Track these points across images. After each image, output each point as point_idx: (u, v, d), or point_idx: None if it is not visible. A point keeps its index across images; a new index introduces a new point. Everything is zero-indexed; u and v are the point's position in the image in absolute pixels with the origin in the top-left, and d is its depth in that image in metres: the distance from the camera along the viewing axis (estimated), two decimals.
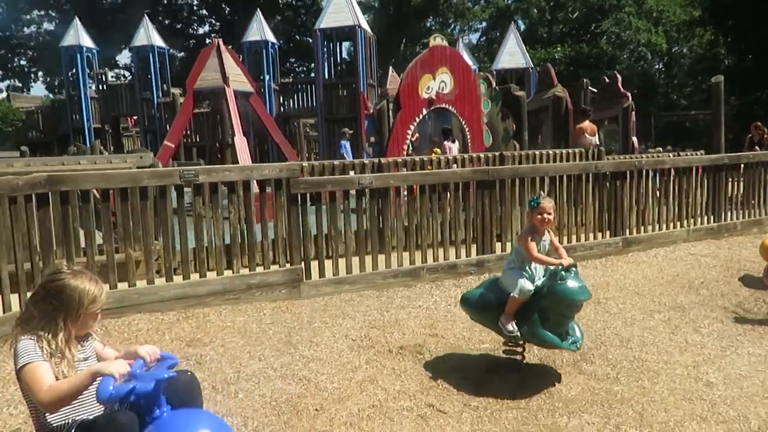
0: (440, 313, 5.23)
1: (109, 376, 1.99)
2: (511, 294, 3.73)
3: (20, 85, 42.02)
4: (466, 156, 8.43)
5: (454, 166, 7.79)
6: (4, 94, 30.87)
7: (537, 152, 8.50)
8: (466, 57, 22.56)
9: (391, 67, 21.94)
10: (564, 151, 8.89)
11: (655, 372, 3.96)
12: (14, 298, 4.67)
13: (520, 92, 13.13)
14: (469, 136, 12.19)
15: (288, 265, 5.83)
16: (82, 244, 5.36)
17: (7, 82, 42.03)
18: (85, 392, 2.11)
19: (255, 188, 6.03)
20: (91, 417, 2.18)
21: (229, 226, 5.84)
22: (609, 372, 3.98)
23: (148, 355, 2.18)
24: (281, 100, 20.87)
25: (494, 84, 12.97)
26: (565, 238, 7.27)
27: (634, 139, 13.85)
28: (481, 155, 8.27)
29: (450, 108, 12.09)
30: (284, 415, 3.38)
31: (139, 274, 5.39)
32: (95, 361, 2.30)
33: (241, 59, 19.21)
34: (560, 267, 3.66)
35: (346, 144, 14.38)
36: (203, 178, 5.51)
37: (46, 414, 2.12)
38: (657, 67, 38.63)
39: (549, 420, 3.34)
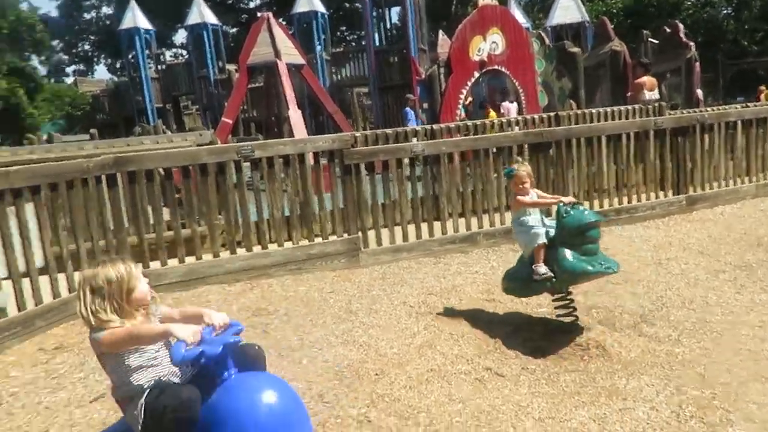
0: (497, 278, 5.22)
1: (182, 341, 2.12)
2: (533, 246, 3.88)
3: (85, 69, 43.64)
4: (519, 118, 8.31)
5: (516, 128, 7.71)
6: (72, 79, 32.13)
7: (594, 111, 8.28)
8: (519, 15, 21.94)
9: (441, 31, 21.56)
10: (622, 108, 8.62)
11: (718, 333, 3.90)
12: None
13: (575, 49, 12.73)
14: (523, 98, 11.96)
15: (346, 235, 5.97)
16: (151, 221, 5.64)
17: (73, 67, 43.75)
18: (160, 356, 2.30)
19: (310, 160, 6.15)
20: (165, 378, 2.34)
21: (287, 198, 6.01)
22: (670, 334, 3.94)
23: (218, 323, 2.30)
24: (333, 70, 20.92)
25: (548, 42, 12.62)
26: (626, 198, 7.13)
27: (699, 91, 13.25)
28: (536, 116, 8.13)
29: (503, 69, 11.86)
30: (346, 379, 3.52)
31: (205, 248, 5.65)
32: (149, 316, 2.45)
33: (291, 31, 19.33)
34: (561, 204, 3.86)
35: (411, 111, 14.36)
36: (259, 153, 5.67)
37: (131, 378, 2.28)
38: (725, 12, 36.43)
39: (607, 382, 3.36)
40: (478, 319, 4.35)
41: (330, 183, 6.20)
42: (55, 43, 38.83)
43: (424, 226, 6.21)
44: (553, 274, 3.85)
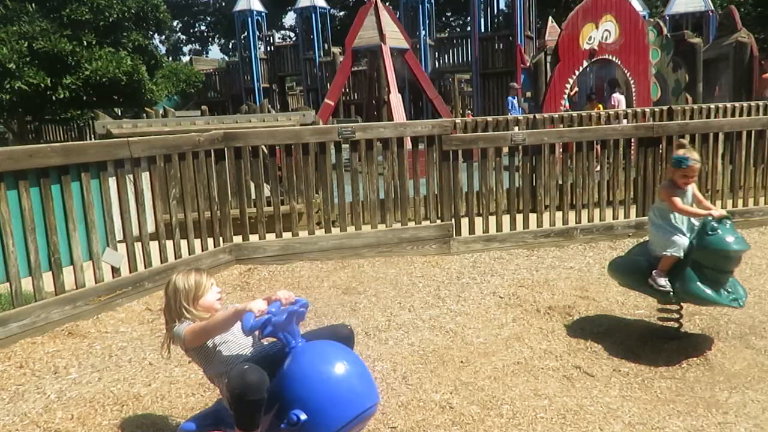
0: (593, 275, 5.07)
1: (250, 312, 2.25)
2: (665, 253, 3.56)
3: (200, 48, 45.94)
4: (629, 111, 7.93)
5: (624, 121, 7.39)
6: (188, 58, 33.92)
7: (711, 106, 7.75)
8: (635, 2, 20.83)
9: (550, 18, 20.87)
10: (744, 104, 8.02)
11: None
12: (197, 243, 5.27)
13: (696, 39, 11.93)
14: (634, 89, 11.38)
15: (438, 221, 5.96)
16: (253, 196, 5.88)
17: (189, 47, 46.18)
18: (236, 330, 2.40)
19: (408, 145, 6.18)
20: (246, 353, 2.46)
21: (383, 181, 6.07)
22: None
23: (284, 298, 2.42)
24: (436, 56, 20.80)
25: (665, 31, 11.91)
26: (740, 201, 6.65)
27: None
28: (646, 110, 7.73)
29: (614, 59, 11.33)
30: (431, 364, 3.53)
31: (301, 224, 5.82)
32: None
33: (397, 15, 19.36)
34: (710, 218, 3.45)
35: (513, 100, 13.90)
36: (359, 135, 5.75)
37: (215, 358, 2.44)
38: None
39: (707, 393, 3.17)
40: (569, 315, 4.22)
41: (426, 168, 6.20)
42: (174, 23, 41.10)
43: (519, 217, 6.09)
44: (672, 290, 3.56)
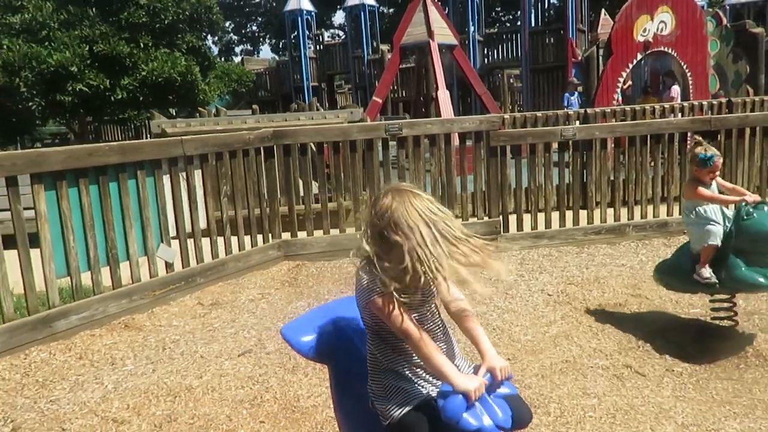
0: (646, 273, 4.93)
1: (461, 399, 1.64)
2: (703, 245, 3.53)
3: (251, 48, 46.79)
4: (685, 104, 7.69)
5: (680, 115, 7.18)
6: (239, 58, 34.60)
7: None
8: None
9: (603, 10, 20.35)
10: None
11: None
12: (247, 239, 5.38)
13: (758, 29, 11.42)
14: (691, 82, 11.00)
15: (486, 218, 5.91)
16: (301, 193, 5.96)
17: (241, 47, 47.10)
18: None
19: (456, 141, 6.14)
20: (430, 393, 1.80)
21: (429, 178, 6.05)
22: None
23: (500, 376, 1.79)
24: (485, 52, 20.59)
25: (725, 21, 11.46)
26: None
27: None
28: (704, 102, 7.47)
29: (669, 51, 10.97)
30: (476, 361, 3.49)
31: (348, 221, 5.86)
32: (433, 302, 1.88)
33: (446, 11, 19.24)
34: (743, 204, 3.41)
35: (572, 97, 13.21)
36: (406, 131, 5.76)
37: (383, 346, 1.83)
38: None
39: (766, 395, 3.05)
40: (620, 313, 4.13)
41: (473, 164, 6.15)
42: (227, 24, 41.93)
43: (568, 214, 5.97)
44: (717, 281, 3.51)
